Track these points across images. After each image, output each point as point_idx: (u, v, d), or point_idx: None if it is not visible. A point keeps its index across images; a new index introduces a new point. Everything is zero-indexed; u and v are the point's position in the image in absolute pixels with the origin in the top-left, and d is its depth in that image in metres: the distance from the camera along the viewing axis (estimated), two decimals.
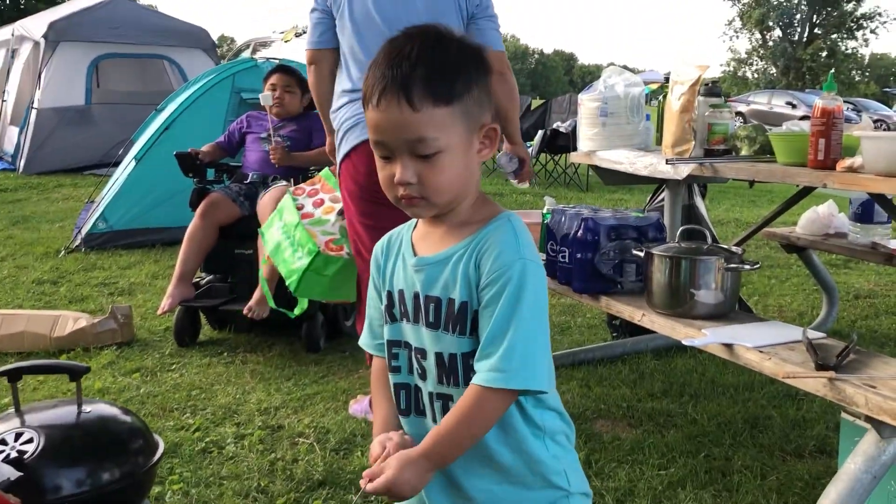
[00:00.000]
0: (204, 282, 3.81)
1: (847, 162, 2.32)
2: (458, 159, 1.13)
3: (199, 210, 3.71)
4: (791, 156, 2.54)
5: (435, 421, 1.19)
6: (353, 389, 3.10)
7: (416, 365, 1.20)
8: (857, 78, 57.18)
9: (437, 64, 1.10)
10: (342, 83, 2.64)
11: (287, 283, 3.04)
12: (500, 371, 1.08)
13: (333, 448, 2.59)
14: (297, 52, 11.25)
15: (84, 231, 5.65)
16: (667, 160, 2.81)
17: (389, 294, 1.23)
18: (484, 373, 1.09)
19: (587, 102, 3.26)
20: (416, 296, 1.18)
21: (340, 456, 2.54)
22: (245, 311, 3.47)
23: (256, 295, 3.48)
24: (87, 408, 1.81)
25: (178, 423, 2.78)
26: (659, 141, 3.18)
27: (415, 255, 1.21)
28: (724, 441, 2.65)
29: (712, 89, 2.98)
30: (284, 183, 3.74)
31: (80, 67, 9.78)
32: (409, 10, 2.53)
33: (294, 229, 3.06)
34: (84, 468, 1.65)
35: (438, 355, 1.16)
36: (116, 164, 6.27)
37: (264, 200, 3.68)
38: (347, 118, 2.59)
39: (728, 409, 2.90)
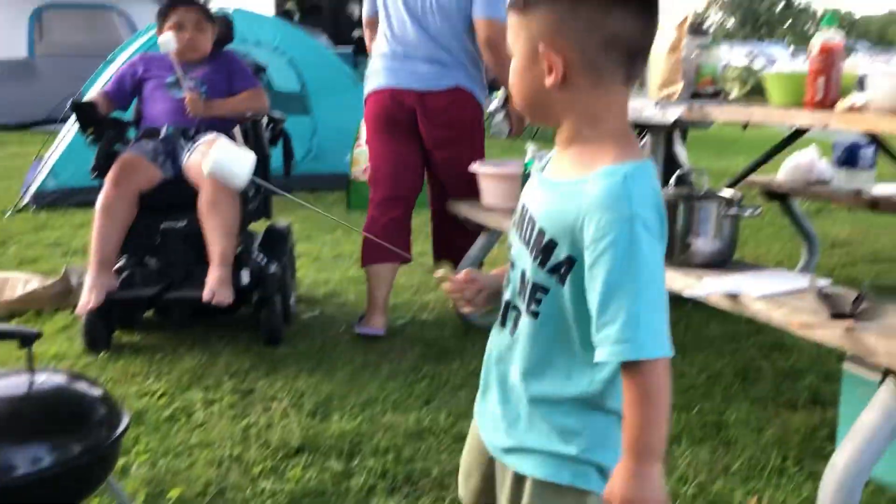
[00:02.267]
0: (121, 266, 3.00)
1: (848, 101, 2.22)
2: (525, 71, 1.09)
3: (110, 176, 2.93)
4: (787, 96, 2.43)
5: (511, 332, 1.15)
6: (328, 348, 2.96)
7: (510, 274, 1.17)
8: (812, 31, 57.60)
9: None
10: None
11: None
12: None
13: (310, 412, 2.45)
14: (250, 1, 10.91)
15: (33, 189, 5.37)
16: (655, 102, 2.67)
17: (521, 205, 1.17)
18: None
19: None
20: (525, 209, 1.14)
21: (317, 420, 2.40)
22: (206, 298, 2.79)
23: (216, 275, 2.83)
24: (39, 377, 1.63)
25: (141, 388, 2.61)
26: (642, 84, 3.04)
27: (542, 172, 1.17)
28: (716, 395, 2.57)
29: (699, 29, 2.85)
30: (212, 135, 3.07)
31: (20, 17, 9.29)
32: None
33: None
34: (40, 444, 1.48)
35: (522, 272, 1.13)
36: (65, 120, 5.95)
37: (194, 159, 3.00)
38: (369, 71, 3.15)
39: (716, 362, 2.82)
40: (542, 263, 1.08)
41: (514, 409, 1.15)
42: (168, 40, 3.13)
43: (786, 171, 3.68)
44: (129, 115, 3.38)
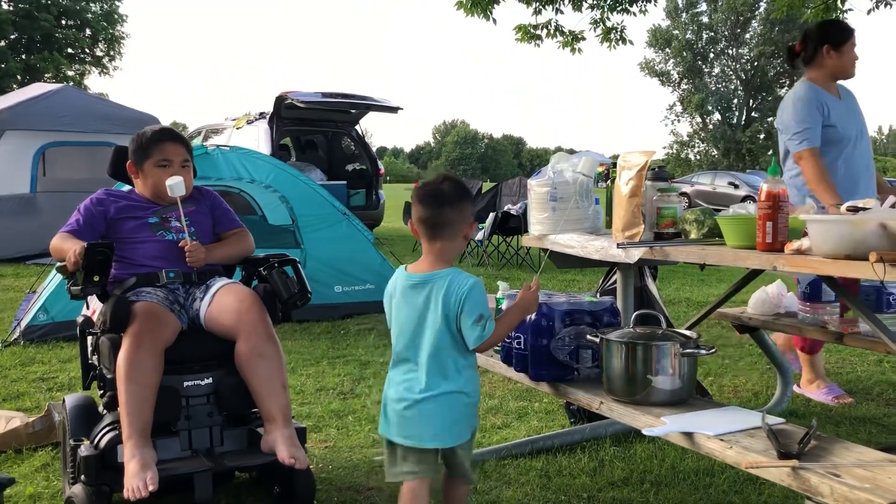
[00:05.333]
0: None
1: (795, 244, 2.35)
2: None
3: (134, 331, 2.57)
4: (740, 239, 2.57)
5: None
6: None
7: None
8: None
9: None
10: None
11: None
12: None
13: None
14: (247, 139, 11.34)
15: (24, 323, 5.44)
16: (618, 244, 2.81)
17: None
18: None
19: (536, 188, 3.28)
20: None
21: None
22: (287, 461, 2.52)
23: (286, 434, 2.59)
24: None
25: None
26: (609, 224, 3.21)
27: None
28: None
29: (659, 174, 3.03)
30: (225, 281, 2.94)
31: (25, 156, 9.64)
32: None
33: None
34: None
35: None
36: None
37: (218, 308, 2.79)
38: None
39: (690, 497, 2.83)
40: None
41: None
42: (177, 183, 2.95)
43: (754, 304, 3.80)
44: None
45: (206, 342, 2.80)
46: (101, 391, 2.75)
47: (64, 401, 2.92)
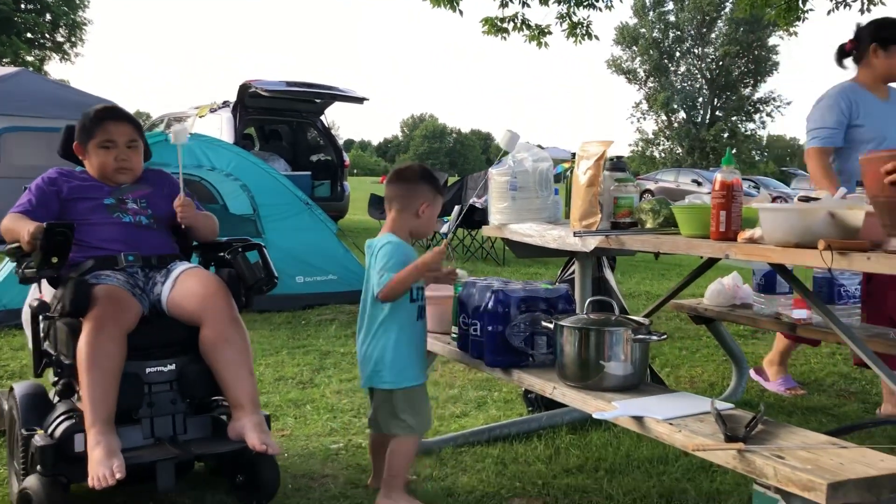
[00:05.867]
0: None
1: (747, 233, 2.39)
2: None
3: (95, 314, 2.47)
4: (694, 228, 2.59)
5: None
6: None
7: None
8: (757, 157, 60.46)
9: None
10: None
11: None
12: None
13: None
14: (210, 127, 11.21)
15: None
16: (574, 233, 2.83)
17: None
18: None
19: (497, 177, 3.29)
20: None
21: None
22: (258, 447, 2.47)
23: (255, 421, 2.53)
24: None
25: None
26: (568, 214, 3.22)
27: None
28: None
29: (617, 164, 3.05)
30: (186, 265, 2.85)
31: None
32: None
33: None
34: None
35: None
36: None
37: (180, 292, 2.71)
38: None
39: (643, 484, 2.86)
40: None
41: None
42: (182, 130, 3.00)
43: (710, 295, 3.85)
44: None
45: (168, 327, 2.72)
46: (56, 378, 2.64)
47: (12, 389, 2.81)
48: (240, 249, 2.91)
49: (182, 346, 2.68)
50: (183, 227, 2.96)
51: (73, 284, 2.54)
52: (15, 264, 2.77)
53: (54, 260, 2.55)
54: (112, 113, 2.95)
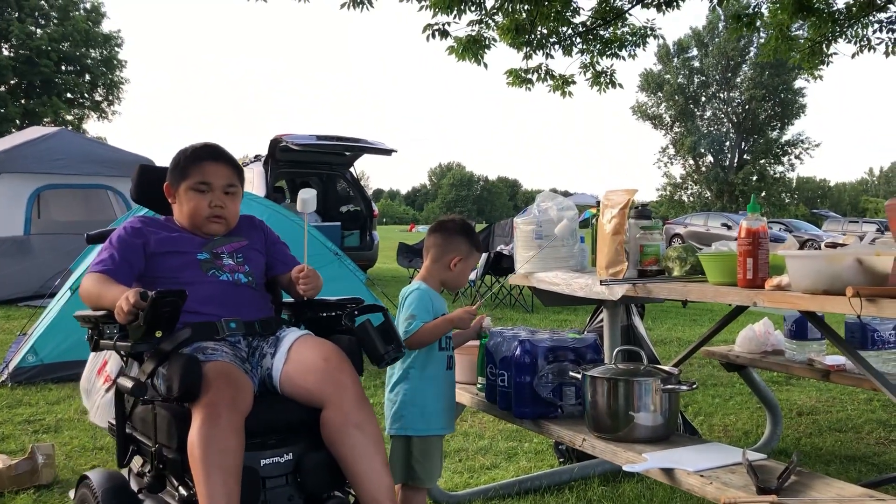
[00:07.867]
0: None
1: (775, 280, 2.37)
2: None
3: (209, 399, 2.04)
4: (721, 275, 2.58)
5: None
6: None
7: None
8: (787, 200, 59.96)
9: None
10: None
11: None
12: None
13: None
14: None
15: (12, 365, 5.41)
16: (601, 281, 2.83)
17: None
18: None
19: (522, 226, 3.31)
20: None
21: None
22: None
23: None
24: None
25: None
26: (594, 262, 3.23)
27: None
28: None
29: (642, 212, 3.06)
30: (299, 333, 2.41)
31: (20, 198, 9.68)
32: None
33: None
34: None
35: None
36: (53, 295, 6.09)
37: (295, 368, 2.28)
38: None
39: None
40: None
41: None
42: (310, 198, 2.49)
43: (741, 342, 3.80)
44: None
45: (283, 409, 2.26)
46: (146, 470, 2.25)
47: (86, 477, 2.38)
48: (356, 312, 2.50)
49: (299, 431, 2.24)
50: (305, 297, 2.50)
51: (185, 363, 2.07)
52: (90, 331, 2.34)
53: (158, 334, 2.11)
54: (211, 152, 2.52)
